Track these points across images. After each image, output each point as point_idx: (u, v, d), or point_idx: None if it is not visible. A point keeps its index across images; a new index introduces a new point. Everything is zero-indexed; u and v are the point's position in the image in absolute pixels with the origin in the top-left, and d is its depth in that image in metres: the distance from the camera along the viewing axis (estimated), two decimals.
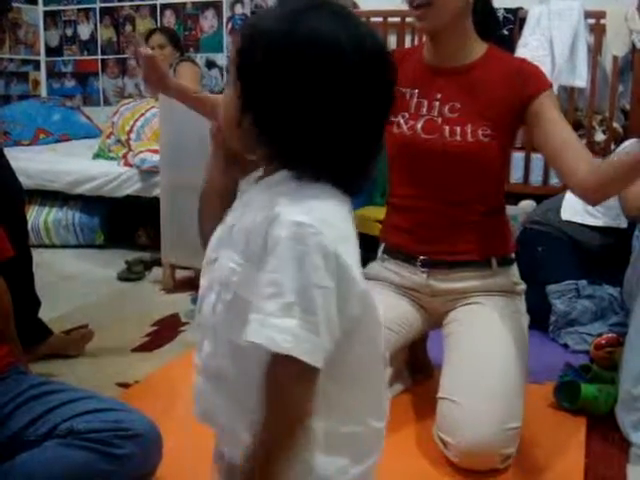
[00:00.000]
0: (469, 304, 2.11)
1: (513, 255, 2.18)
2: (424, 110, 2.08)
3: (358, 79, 0.98)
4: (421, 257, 2.13)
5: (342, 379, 1.06)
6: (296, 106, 0.99)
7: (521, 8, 3.92)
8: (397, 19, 4.34)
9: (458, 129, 2.03)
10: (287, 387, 0.98)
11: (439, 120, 2.06)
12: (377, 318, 1.08)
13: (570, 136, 1.94)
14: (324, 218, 0.98)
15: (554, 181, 3.71)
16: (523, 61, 2.08)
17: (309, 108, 0.99)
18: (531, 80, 1.99)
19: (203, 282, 1.16)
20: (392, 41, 4.46)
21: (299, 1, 1.02)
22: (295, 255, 0.95)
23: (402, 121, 2.10)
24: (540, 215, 3.17)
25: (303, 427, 1.00)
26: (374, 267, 2.27)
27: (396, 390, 2.30)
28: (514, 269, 2.16)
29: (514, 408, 1.88)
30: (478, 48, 2.07)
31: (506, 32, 3.88)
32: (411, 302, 2.19)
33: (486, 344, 1.97)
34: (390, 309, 2.14)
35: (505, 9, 3.93)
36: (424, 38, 2.11)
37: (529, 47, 3.70)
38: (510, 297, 2.12)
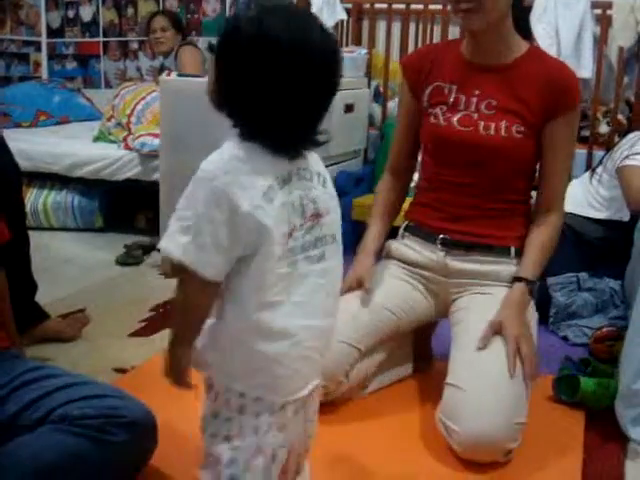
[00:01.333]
0: (480, 293, 2.13)
1: None
2: (462, 105, 2.13)
3: (292, 72, 1.22)
4: (441, 236, 2.17)
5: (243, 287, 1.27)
6: (245, 83, 1.23)
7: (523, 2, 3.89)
8: (402, 6, 4.31)
9: (492, 125, 2.08)
10: (179, 288, 1.28)
11: (475, 116, 2.11)
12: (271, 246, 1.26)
13: (554, 178, 2.13)
14: (227, 169, 1.23)
15: (574, 174, 3.70)
16: (563, 68, 2.11)
17: (253, 86, 1.23)
18: (564, 95, 2.05)
19: None
20: (396, 28, 4.43)
21: (268, 4, 1.27)
22: (197, 189, 1.23)
23: (440, 113, 2.15)
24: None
25: (198, 320, 1.30)
26: (392, 244, 2.31)
27: (397, 375, 2.32)
28: None
29: (521, 403, 1.88)
30: (519, 46, 2.11)
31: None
32: (421, 287, 2.22)
33: (496, 335, 1.97)
34: (395, 292, 2.19)
35: None
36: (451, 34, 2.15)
37: (535, 36, 3.67)
38: None
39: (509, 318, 1.98)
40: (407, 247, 2.26)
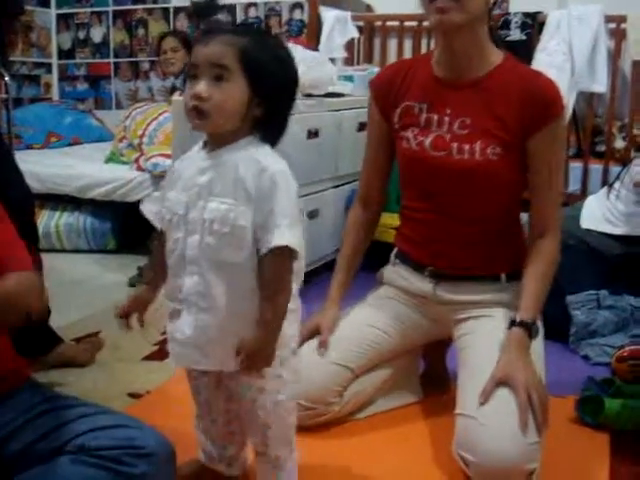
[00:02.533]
0: (481, 317, 2.07)
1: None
2: (434, 126, 2.03)
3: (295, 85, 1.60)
4: (429, 268, 2.12)
5: None
6: (282, 97, 1.58)
7: (540, 12, 3.87)
8: (414, 23, 4.30)
9: (467, 147, 1.98)
10: (287, 271, 1.51)
11: (448, 137, 2.00)
12: None
13: (543, 199, 2.02)
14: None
15: (574, 188, 3.66)
16: (539, 77, 1.98)
17: (287, 99, 1.59)
18: (543, 106, 1.93)
19: (175, 235, 1.56)
20: (408, 45, 4.42)
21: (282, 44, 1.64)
22: (289, 191, 1.49)
23: (411, 136, 2.06)
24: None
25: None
26: (386, 270, 2.28)
27: (401, 401, 2.29)
28: None
29: (531, 422, 1.82)
30: (493, 57, 2.00)
31: (524, 37, 3.83)
32: (417, 309, 2.18)
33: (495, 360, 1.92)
34: (387, 312, 2.18)
35: (524, 13, 3.89)
36: (431, 48, 2.06)
37: (548, 52, 3.65)
38: None
39: (513, 365, 1.85)
40: (398, 275, 2.21)
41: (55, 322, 2.60)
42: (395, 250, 2.25)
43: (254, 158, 1.51)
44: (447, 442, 1.91)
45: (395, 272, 2.22)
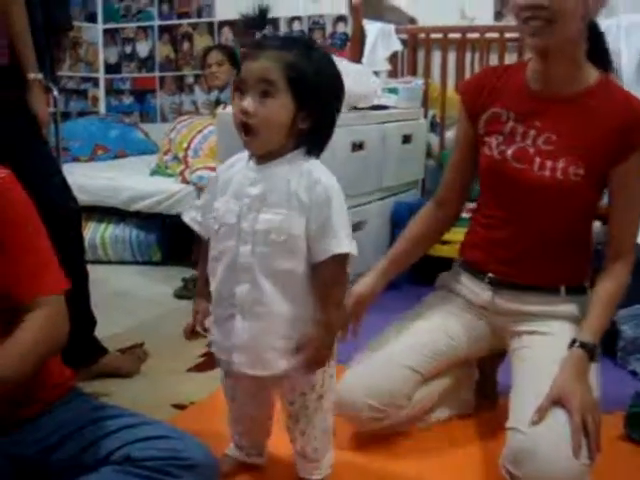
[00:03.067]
0: (538, 331, 2.03)
1: (587, 284, 2.09)
2: (518, 137, 2.00)
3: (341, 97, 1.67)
4: (489, 275, 2.09)
5: None
6: (327, 110, 1.64)
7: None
8: (457, 35, 4.28)
9: (549, 163, 1.94)
10: (344, 274, 1.65)
11: (531, 150, 1.97)
12: None
13: (623, 225, 1.97)
14: None
15: None
16: (632, 103, 1.92)
17: (331, 112, 1.66)
18: (634, 133, 1.88)
19: (225, 243, 1.64)
20: (452, 58, 4.40)
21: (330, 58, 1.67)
22: (342, 203, 1.61)
23: (494, 144, 2.03)
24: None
25: None
26: (445, 277, 2.26)
27: (459, 409, 2.28)
28: (586, 297, 2.06)
29: (585, 444, 1.78)
30: (588, 76, 1.95)
31: None
32: (477, 318, 2.15)
33: (555, 374, 1.88)
34: (454, 319, 2.14)
35: None
36: (519, 58, 2.03)
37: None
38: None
39: (570, 386, 1.80)
40: (458, 283, 2.19)
41: (100, 333, 2.62)
42: (459, 260, 2.24)
43: (305, 170, 1.61)
44: (494, 455, 1.89)
45: (455, 279, 2.21)
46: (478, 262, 2.13)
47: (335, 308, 1.65)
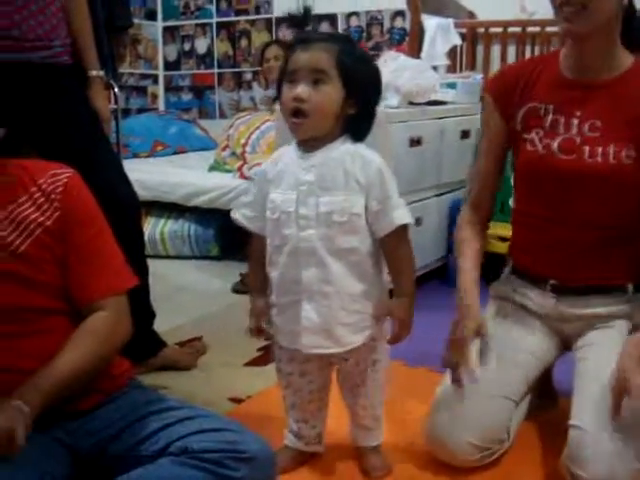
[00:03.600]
0: (603, 327, 1.97)
1: None
2: (561, 128, 1.94)
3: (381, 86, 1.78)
4: (551, 281, 2.01)
5: None
6: (372, 97, 1.75)
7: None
8: (517, 29, 4.22)
9: (599, 149, 1.88)
10: (409, 243, 1.77)
11: (578, 139, 1.91)
12: None
13: None
14: None
15: None
16: None
17: (375, 99, 1.76)
18: None
19: (285, 231, 1.71)
20: (511, 52, 4.34)
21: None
22: (393, 179, 1.72)
23: (536, 139, 1.96)
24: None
25: None
26: (501, 286, 2.17)
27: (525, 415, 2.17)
28: None
29: None
30: (624, 60, 1.91)
31: None
32: (543, 326, 2.07)
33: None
34: (529, 334, 2.05)
35: None
36: (556, 47, 1.98)
37: None
38: None
39: (631, 366, 1.72)
40: (516, 293, 2.10)
41: (159, 326, 2.65)
42: (510, 264, 2.15)
43: (357, 153, 1.71)
44: (556, 454, 1.87)
45: (512, 289, 2.12)
46: (535, 268, 2.05)
47: (411, 277, 1.78)
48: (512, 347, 2.03)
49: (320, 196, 1.69)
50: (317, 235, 1.69)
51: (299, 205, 1.70)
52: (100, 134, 2.39)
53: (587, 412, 1.78)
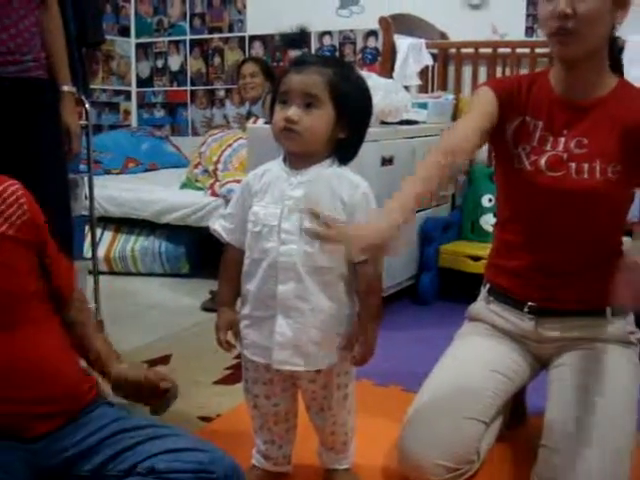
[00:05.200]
0: (581, 349, 1.98)
1: None
2: (548, 145, 1.95)
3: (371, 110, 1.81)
4: (529, 303, 2.02)
5: None
6: (362, 121, 1.77)
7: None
8: (488, 50, 4.26)
9: (586, 166, 1.90)
10: (381, 272, 1.78)
11: (565, 156, 1.93)
12: None
13: None
14: None
15: None
16: None
17: (365, 123, 1.78)
18: None
19: (265, 245, 1.71)
20: (482, 73, 4.39)
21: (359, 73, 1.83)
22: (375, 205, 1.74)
23: (523, 155, 1.97)
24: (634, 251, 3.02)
25: None
26: (478, 307, 2.17)
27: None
28: (630, 317, 2.02)
29: (624, 464, 1.75)
30: (609, 80, 1.94)
31: None
32: (519, 347, 2.07)
33: (596, 393, 1.85)
34: (502, 356, 2.05)
35: None
36: (543, 67, 1.98)
37: (630, 78, 3.56)
38: (625, 346, 1.99)
39: None
40: (494, 314, 2.11)
41: (129, 344, 2.63)
42: (487, 286, 2.15)
43: (344, 175, 1.73)
44: (523, 473, 1.88)
45: (489, 310, 2.12)
46: (513, 290, 2.05)
47: (378, 304, 1.77)
48: (485, 369, 2.02)
49: (304, 212, 1.68)
50: (297, 250, 1.69)
51: (282, 219, 1.71)
52: (58, 159, 2.36)
53: (559, 433, 1.79)
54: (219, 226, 1.86)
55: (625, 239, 2.05)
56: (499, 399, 2.01)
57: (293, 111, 1.67)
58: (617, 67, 2.00)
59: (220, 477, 1.47)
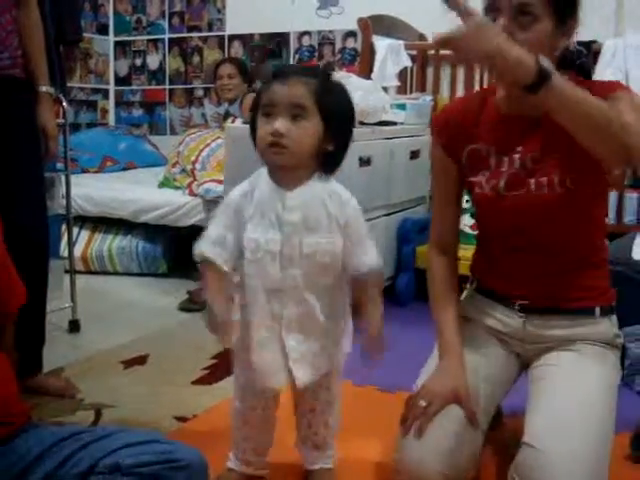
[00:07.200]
0: (565, 350, 1.95)
1: (614, 304, 2.02)
2: (505, 166, 1.91)
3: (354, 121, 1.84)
4: (519, 302, 1.99)
5: None
6: (348, 132, 1.79)
7: (595, 41, 3.82)
8: None
9: (545, 180, 1.87)
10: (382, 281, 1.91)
11: (523, 173, 1.89)
12: None
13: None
14: None
15: (630, 218, 3.61)
16: (597, 84, 1.85)
17: (350, 134, 1.80)
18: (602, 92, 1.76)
19: (266, 269, 1.71)
20: (460, 74, 4.41)
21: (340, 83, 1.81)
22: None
23: (483, 181, 1.94)
24: (612, 254, 3.04)
25: None
26: (464, 305, 2.11)
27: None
28: (614, 319, 2.04)
29: (602, 466, 1.75)
30: None
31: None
32: (505, 351, 2.04)
33: (578, 393, 1.85)
34: (492, 364, 2.02)
35: (578, 42, 3.84)
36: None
37: (630, 79, 3.58)
38: (609, 349, 1.99)
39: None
40: (480, 311, 2.07)
41: (106, 344, 2.62)
42: (473, 284, 2.12)
43: (333, 192, 1.74)
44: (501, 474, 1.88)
45: (475, 307, 2.08)
46: (501, 289, 2.03)
47: (381, 312, 1.81)
48: (476, 377, 1.97)
49: (304, 237, 1.71)
50: (300, 274, 1.72)
51: (284, 245, 1.71)
52: (34, 158, 2.36)
53: (541, 431, 1.79)
54: (213, 254, 1.74)
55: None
56: (493, 405, 1.99)
57: (280, 123, 1.63)
58: (582, 71, 1.96)
59: (187, 464, 1.45)
